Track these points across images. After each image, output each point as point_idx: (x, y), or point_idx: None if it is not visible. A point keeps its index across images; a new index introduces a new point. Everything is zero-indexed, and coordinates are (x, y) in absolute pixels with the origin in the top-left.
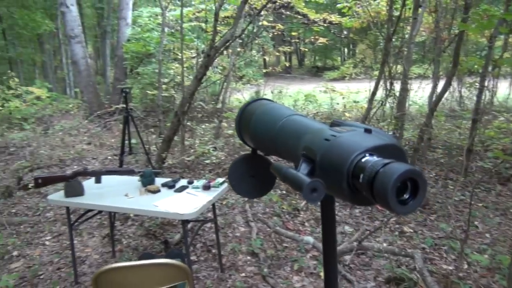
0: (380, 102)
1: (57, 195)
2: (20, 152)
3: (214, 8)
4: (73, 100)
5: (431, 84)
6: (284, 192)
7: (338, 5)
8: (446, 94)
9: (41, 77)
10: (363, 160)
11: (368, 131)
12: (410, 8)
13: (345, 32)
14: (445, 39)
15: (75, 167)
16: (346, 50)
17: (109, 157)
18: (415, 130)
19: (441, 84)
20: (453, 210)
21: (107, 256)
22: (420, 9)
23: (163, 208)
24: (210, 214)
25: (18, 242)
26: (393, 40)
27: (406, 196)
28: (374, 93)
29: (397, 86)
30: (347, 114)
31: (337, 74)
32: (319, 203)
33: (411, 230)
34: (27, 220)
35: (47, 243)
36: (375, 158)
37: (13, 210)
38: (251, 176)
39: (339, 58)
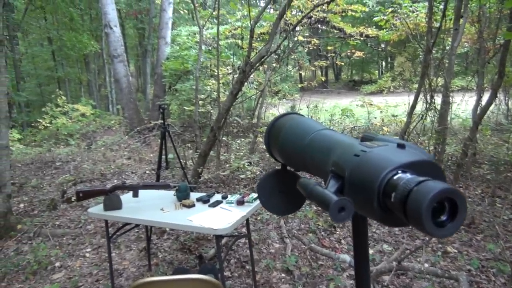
0: (420, 115)
1: (96, 208)
2: (65, 167)
3: (250, 25)
4: (115, 116)
5: (475, 96)
6: (319, 208)
7: (375, 19)
8: (492, 107)
9: (86, 95)
10: (395, 177)
11: (401, 146)
12: (451, 19)
13: (382, 45)
14: (490, 50)
15: (115, 181)
16: (383, 63)
17: (147, 172)
18: (458, 145)
19: (485, 96)
20: (501, 229)
21: (143, 270)
22: (461, 20)
23: (197, 223)
24: (244, 230)
25: (61, 254)
26: (434, 52)
27: (443, 217)
28: (413, 107)
29: (438, 99)
30: (385, 129)
31: (375, 87)
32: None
33: (455, 251)
34: (70, 232)
35: (87, 255)
36: (408, 175)
37: (57, 222)
38: (281, 192)
39: (376, 71)
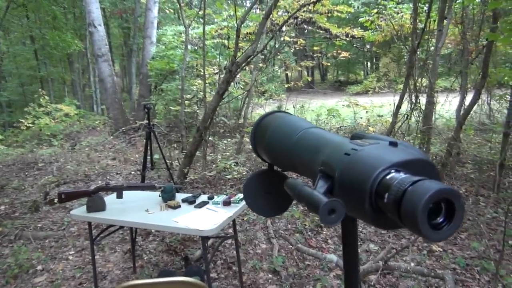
0: (405, 115)
1: (79, 210)
2: (48, 168)
3: (236, 25)
4: (99, 116)
5: (459, 97)
6: (306, 208)
7: (360, 19)
8: (475, 107)
9: (70, 95)
10: (388, 177)
11: (393, 144)
12: (435, 20)
13: (368, 46)
14: (473, 51)
15: (100, 182)
16: (369, 64)
17: (133, 172)
18: (443, 145)
19: (469, 97)
20: (485, 228)
21: (128, 272)
22: (445, 21)
23: (183, 224)
24: (231, 230)
25: (43, 257)
26: (418, 52)
27: (440, 219)
28: (399, 107)
29: (423, 99)
30: (371, 128)
31: (360, 88)
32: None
33: (440, 249)
34: (52, 234)
35: (70, 257)
36: (402, 175)
37: (39, 225)
38: (267, 193)
39: (362, 72)
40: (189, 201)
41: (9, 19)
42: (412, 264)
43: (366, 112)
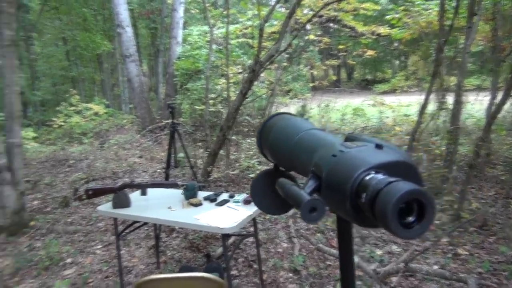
0: (432, 115)
1: (106, 206)
2: (78, 165)
3: (259, 24)
4: (127, 115)
5: (489, 96)
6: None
7: (387, 17)
8: (507, 107)
9: (100, 94)
10: (367, 178)
11: (379, 146)
12: (464, 17)
13: (395, 44)
14: (505, 48)
15: (126, 179)
16: (397, 62)
17: (158, 170)
18: (472, 145)
19: (500, 95)
20: None
21: (152, 267)
22: (475, 18)
23: (204, 221)
24: (252, 229)
25: (72, 250)
26: (446, 50)
27: (411, 219)
28: (424, 106)
29: (451, 98)
30: (397, 128)
31: (388, 87)
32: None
33: (467, 253)
34: (81, 229)
35: (97, 251)
36: (380, 176)
37: (69, 219)
38: (273, 192)
39: (389, 70)
40: (211, 199)
41: (42, 21)
42: (436, 267)
43: (392, 111)
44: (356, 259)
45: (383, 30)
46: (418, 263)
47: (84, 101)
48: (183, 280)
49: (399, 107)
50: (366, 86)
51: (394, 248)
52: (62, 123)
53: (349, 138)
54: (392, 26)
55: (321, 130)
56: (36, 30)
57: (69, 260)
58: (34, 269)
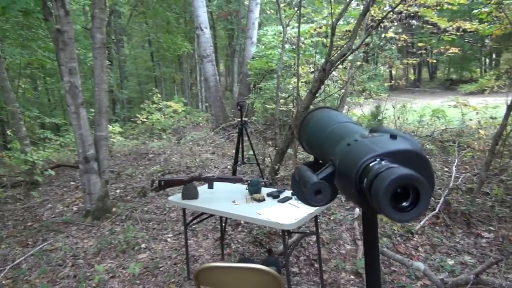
0: None
1: (176, 197)
2: (157, 158)
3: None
4: (203, 113)
5: None
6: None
7: (474, 11)
8: None
9: (179, 93)
10: (371, 164)
11: (393, 136)
12: None
13: (487, 41)
14: None
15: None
16: (487, 60)
17: (229, 167)
18: None
19: None
20: None
21: (217, 258)
22: None
23: (265, 216)
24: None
25: (146, 237)
26: None
27: (405, 203)
28: (510, 108)
29: None
30: (481, 131)
31: (475, 87)
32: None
33: None
34: (155, 218)
35: (168, 240)
36: (383, 163)
37: (145, 208)
38: None
39: (478, 69)
40: (273, 196)
41: (131, 25)
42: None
43: (477, 113)
44: (422, 266)
45: (469, 25)
46: (492, 276)
47: (165, 99)
48: (240, 270)
49: (485, 108)
50: (450, 86)
51: (468, 259)
52: (145, 120)
53: (373, 130)
54: (480, 21)
55: (355, 124)
56: (125, 33)
57: (143, 246)
58: (113, 251)
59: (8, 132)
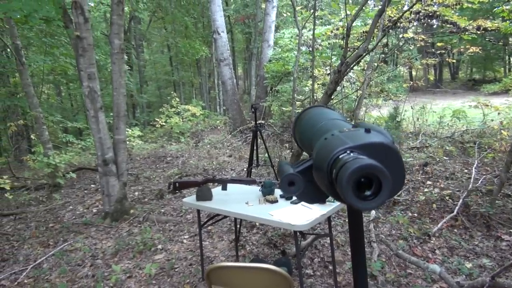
0: None
1: (190, 199)
2: (175, 161)
3: (347, 24)
4: (221, 117)
5: None
6: (415, 214)
7: (496, 9)
8: None
9: (198, 97)
10: (340, 156)
11: (367, 130)
12: None
13: (510, 39)
14: None
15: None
16: (511, 59)
17: (245, 169)
18: None
19: None
20: None
21: (232, 259)
22: None
23: (277, 217)
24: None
25: (163, 238)
26: None
27: (368, 193)
28: None
29: None
30: (504, 132)
31: (498, 87)
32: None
33: None
34: (172, 219)
35: (184, 241)
36: (352, 155)
37: (162, 210)
38: (309, 181)
39: (502, 69)
40: (286, 197)
41: (150, 31)
42: None
43: (498, 113)
44: (438, 269)
45: (490, 24)
46: (511, 279)
47: (183, 103)
48: (250, 270)
49: (508, 109)
50: (472, 86)
51: (486, 262)
52: (164, 123)
53: (354, 125)
54: (503, 19)
55: (344, 121)
56: (145, 39)
57: (160, 247)
58: (130, 251)
59: (32, 136)
